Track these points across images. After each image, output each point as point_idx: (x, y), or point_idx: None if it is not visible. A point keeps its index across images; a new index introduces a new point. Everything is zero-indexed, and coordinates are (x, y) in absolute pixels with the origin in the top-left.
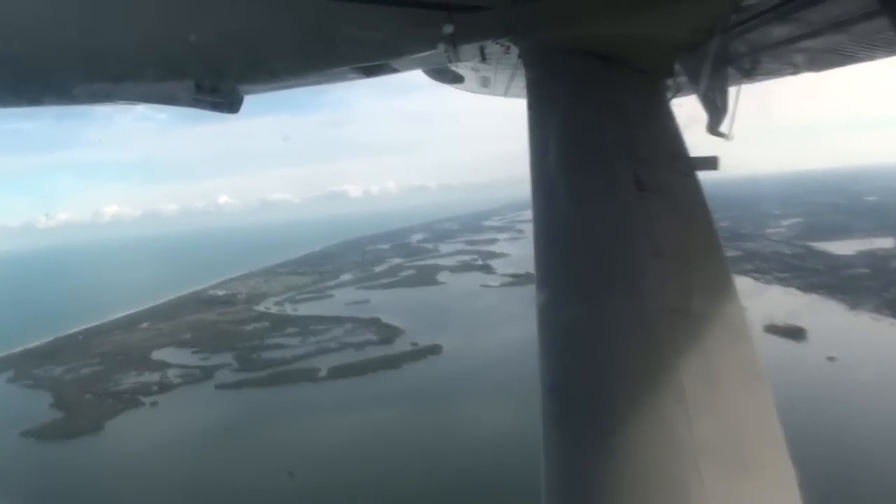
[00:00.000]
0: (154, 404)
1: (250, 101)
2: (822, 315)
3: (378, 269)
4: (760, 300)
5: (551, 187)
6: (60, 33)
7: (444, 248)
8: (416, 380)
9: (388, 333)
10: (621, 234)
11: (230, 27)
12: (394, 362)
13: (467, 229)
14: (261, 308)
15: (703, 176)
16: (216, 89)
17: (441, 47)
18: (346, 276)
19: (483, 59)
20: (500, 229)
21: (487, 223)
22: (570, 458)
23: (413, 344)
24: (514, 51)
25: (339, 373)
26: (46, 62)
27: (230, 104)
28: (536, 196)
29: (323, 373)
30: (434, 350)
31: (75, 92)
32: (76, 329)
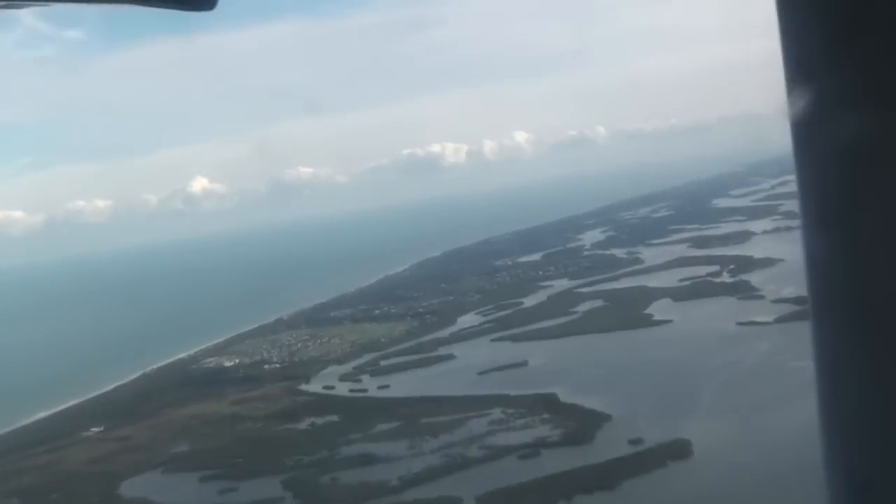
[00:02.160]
0: None
1: None
2: None
3: (529, 301)
4: None
5: (827, 119)
6: None
7: (650, 254)
8: None
9: (580, 423)
10: None
11: None
12: (603, 479)
13: (685, 216)
14: (314, 387)
15: None
16: None
17: None
18: (469, 319)
19: None
20: (752, 213)
21: (722, 203)
22: None
23: (633, 442)
24: None
25: None
26: None
27: None
28: (800, 139)
29: None
30: (676, 451)
31: None
32: None
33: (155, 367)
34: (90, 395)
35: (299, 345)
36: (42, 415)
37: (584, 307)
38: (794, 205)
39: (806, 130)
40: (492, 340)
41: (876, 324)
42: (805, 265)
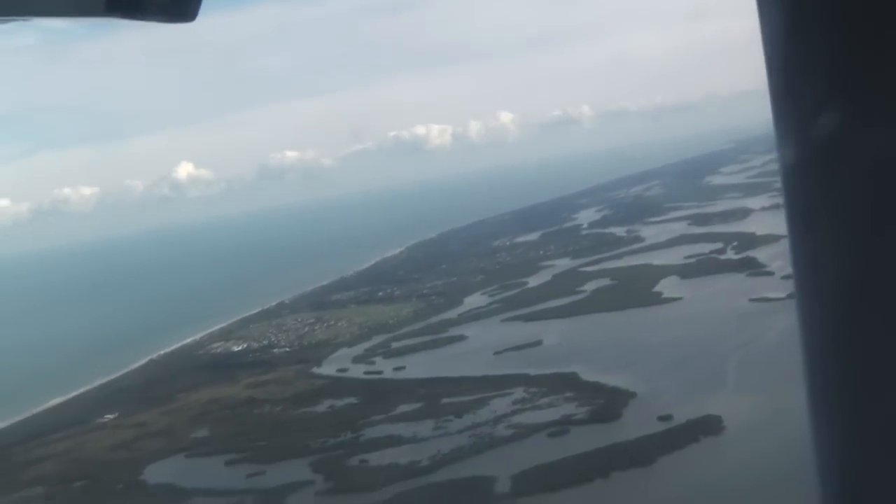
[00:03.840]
0: None
1: None
2: None
3: (534, 281)
4: None
5: (808, 98)
6: None
7: (651, 232)
8: (699, 485)
9: (606, 401)
10: None
11: None
12: (635, 456)
13: (680, 194)
14: (328, 370)
15: None
16: None
17: None
18: (475, 300)
19: None
20: (748, 189)
21: (717, 180)
22: None
23: (663, 418)
24: None
25: (535, 483)
26: None
27: (177, 6)
28: (782, 118)
29: (503, 485)
30: (708, 427)
31: None
32: None
33: (161, 353)
34: (99, 383)
35: (306, 328)
36: (54, 402)
37: (590, 286)
38: None
39: (786, 115)
40: (502, 321)
41: (865, 320)
42: (791, 260)
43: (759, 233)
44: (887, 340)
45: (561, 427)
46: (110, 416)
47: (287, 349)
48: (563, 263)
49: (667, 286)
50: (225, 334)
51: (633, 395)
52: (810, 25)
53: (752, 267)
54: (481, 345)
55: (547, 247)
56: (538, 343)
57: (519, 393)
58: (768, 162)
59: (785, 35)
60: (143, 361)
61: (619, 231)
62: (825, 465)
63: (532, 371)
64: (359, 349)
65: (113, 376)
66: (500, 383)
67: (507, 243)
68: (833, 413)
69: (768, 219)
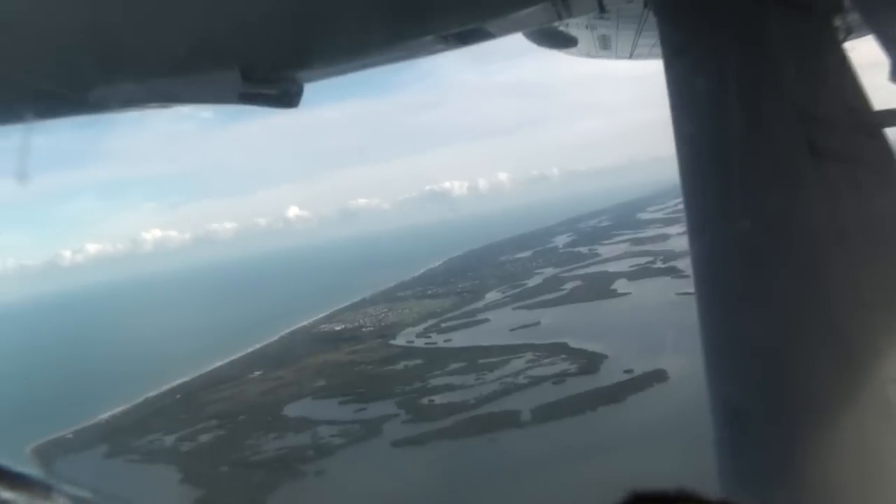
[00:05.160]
0: (320, 473)
1: (311, 86)
2: None
3: (531, 282)
4: None
5: (702, 163)
6: (64, 24)
7: (605, 250)
8: (655, 414)
9: (588, 360)
10: (795, 214)
11: None
12: (613, 395)
13: (622, 225)
14: (400, 342)
15: (893, 134)
16: (268, 79)
17: (549, 2)
18: (493, 295)
19: (602, 10)
20: (666, 222)
21: (644, 216)
22: (750, 496)
23: (627, 371)
24: None
25: (547, 414)
26: (48, 63)
27: (287, 96)
28: (686, 175)
29: (526, 415)
30: (658, 376)
31: (91, 98)
32: (166, 387)
33: (287, 331)
34: (247, 351)
35: (382, 315)
36: (215, 365)
37: (568, 286)
38: None
39: (688, 162)
40: (512, 309)
41: (733, 285)
42: (690, 249)
43: (677, 250)
44: (764, 317)
45: (560, 378)
46: (258, 373)
47: (371, 328)
48: (549, 271)
49: (620, 285)
50: (329, 319)
51: (605, 356)
52: (704, 104)
53: (675, 272)
54: (500, 325)
55: (537, 260)
56: (538, 323)
57: (529, 356)
58: (678, 203)
59: (682, 93)
60: (276, 337)
61: (584, 249)
62: (716, 399)
63: (536, 341)
64: (419, 328)
65: (257, 346)
66: (517, 350)
67: (510, 258)
68: (719, 365)
69: (682, 240)
